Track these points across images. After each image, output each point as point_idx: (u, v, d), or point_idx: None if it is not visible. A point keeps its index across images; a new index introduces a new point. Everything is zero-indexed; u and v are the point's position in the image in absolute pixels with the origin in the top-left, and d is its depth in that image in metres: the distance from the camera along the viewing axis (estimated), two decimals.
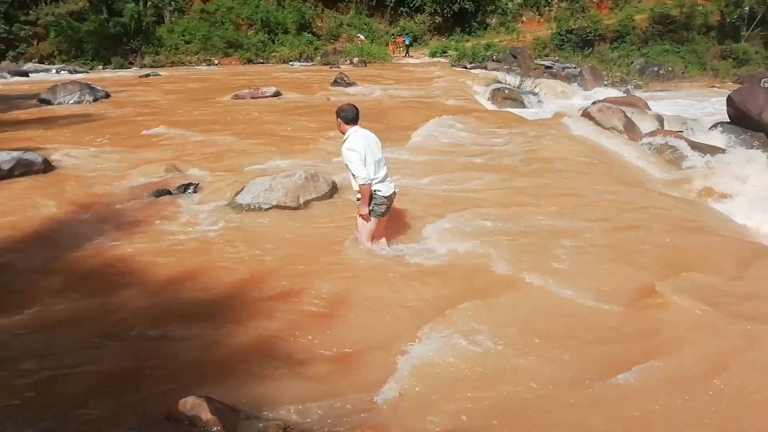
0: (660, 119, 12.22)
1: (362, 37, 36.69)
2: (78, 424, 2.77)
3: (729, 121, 11.65)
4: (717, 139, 10.89)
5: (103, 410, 2.88)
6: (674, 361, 3.31)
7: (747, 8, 30.82)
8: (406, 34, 37.58)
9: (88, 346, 3.51)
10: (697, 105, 18.22)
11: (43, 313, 3.90)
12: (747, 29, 30.85)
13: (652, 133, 10.63)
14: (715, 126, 11.62)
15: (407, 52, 35.34)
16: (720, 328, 3.64)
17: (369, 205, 4.66)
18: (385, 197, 4.71)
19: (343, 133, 4.73)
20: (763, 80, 12.53)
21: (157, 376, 3.19)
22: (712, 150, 9.60)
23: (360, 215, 4.76)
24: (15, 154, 7.32)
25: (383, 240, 5.03)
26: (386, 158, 4.93)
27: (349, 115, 4.70)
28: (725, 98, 12.08)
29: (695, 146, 9.68)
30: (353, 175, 4.61)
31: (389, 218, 5.05)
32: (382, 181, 4.71)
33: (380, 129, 5.92)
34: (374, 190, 4.66)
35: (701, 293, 4.03)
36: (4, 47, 30.31)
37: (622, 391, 3.06)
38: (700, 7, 32.58)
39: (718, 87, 24.69)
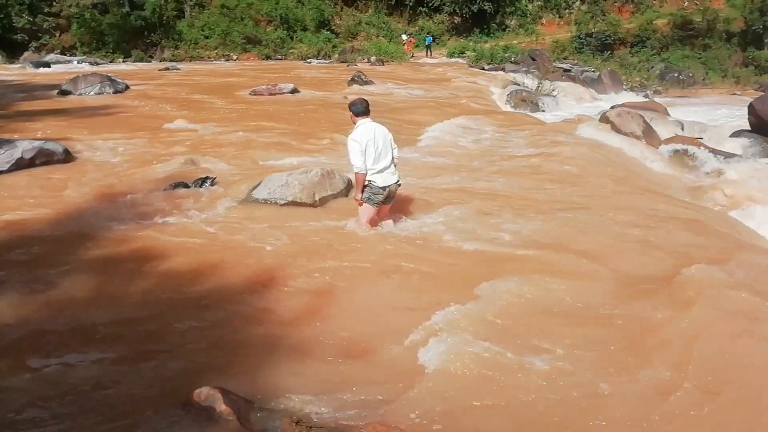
0: (680, 125, 12.10)
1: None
2: (92, 413, 2.79)
3: (750, 129, 11.50)
4: (737, 146, 10.75)
5: (118, 399, 2.90)
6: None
7: None
8: (427, 34, 37.52)
9: (101, 334, 3.53)
10: (717, 112, 17.99)
11: (58, 301, 3.93)
12: None
13: (671, 140, 10.52)
14: (735, 134, 11.48)
15: (428, 52, 35.28)
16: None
17: (364, 193, 5.09)
18: (381, 188, 5.06)
19: (354, 125, 5.13)
20: None
21: (172, 366, 3.22)
22: (732, 158, 9.49)
23: (355, 200, 5.20)
24: (37, 143, 7.43)
25: (389, 221, 5.42)
26: (403, 157, 5.02)
27: (359, 109, 5.11)
28: (746, 106, 11.92)
29: (715, 153, 9.57)
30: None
31: (396, 208, 5.53)
32: (380, 172, 5.05)
33: (395, 128, 6.00)
34: (370, 180, 5.03)
35: (715, 297, 3.99)
36: (27, 38, 30.79)
37: (640, 389, 3.04)
38: (723, 14, 32.12)
39: (739, 94, 24.35)
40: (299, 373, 3.16)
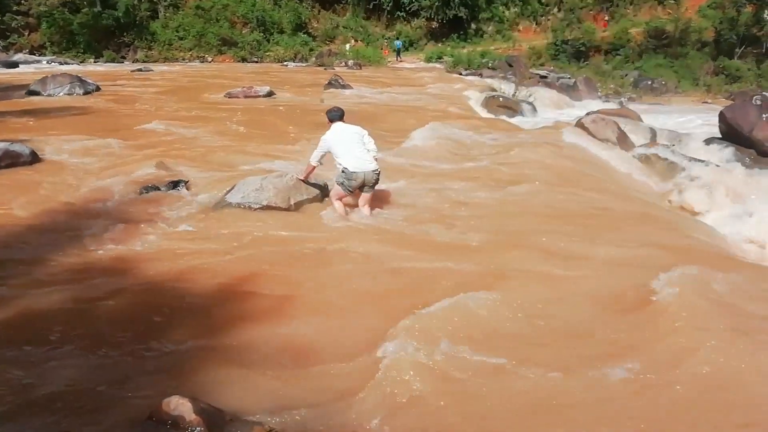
0: (653, 132, 12.31)
1: (348, 46, 36.72)
2: (59, 424, 2.72)
3: (720, 136, 11.75)
4: (708, 153, 10.98)
5: (85, 409, 2.83)
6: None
7: (743, 27, 31.15)
8: (396, 38, 37.69)
9: (69, 344, 3.44)
10: (689, 119, 18.37)
11: (20, 311, 3.82)
12: (740, 47, 31.23)
13: (644, 146, 10.69)
14: (706, 141, 11.71)
15: (398, 56, 35.44)
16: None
17: (339, 178, 5.79)
18: (353, 173, 5.64)
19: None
20: (754, 97, 12.69)
21: (140, 375, 3.14)
22: (703, 164, 9.68)
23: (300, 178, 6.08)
24: (2, 144, 7.26)
25: (366, 208, 5.90)
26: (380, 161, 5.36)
27: (333, 116, 5.95)
28: (717, 114, 12.19)
29: (686, 160, 9.76)
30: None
31: (373, 207, 5.99)
32: (351, 159, 5.68)
33: (373, 133, 6.09)
34: (344, 167, 5.68)
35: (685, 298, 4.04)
36: None
37: (608, 393, 3.07)
38: (695, 24, 32.94)
39: (710, 102, 24.88)
40: (271, 382, 3.12)
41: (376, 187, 5.96)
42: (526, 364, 3.31)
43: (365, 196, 5.86)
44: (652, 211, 6.72)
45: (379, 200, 6.28)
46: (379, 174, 5.84)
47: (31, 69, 23.14)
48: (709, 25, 32.84)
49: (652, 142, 11.38)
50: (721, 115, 11.75)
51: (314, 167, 5.92)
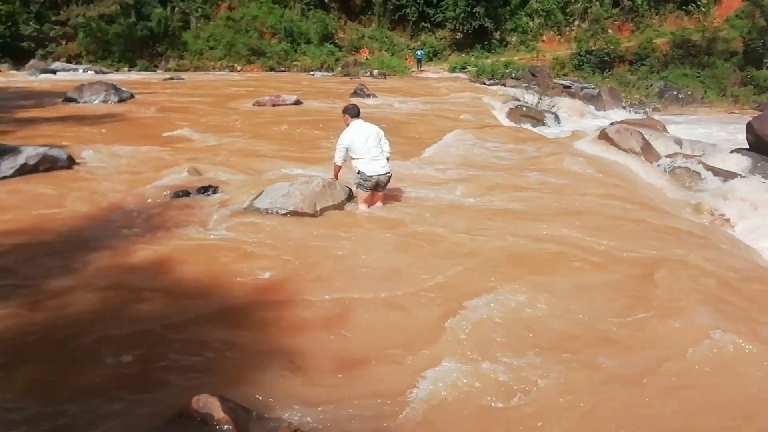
0: (678, 142, 12.15)
1: (366, 52, 37.04)
2: (89, 421, 2.78)
3: (748, 147, 11.57)
4: (735, 164, 10.79)
5: (116, 407, 2.88)
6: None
7: None
8: (418, 48, 37.86)
9: (101, 343, 3.52)
10: (715, 130, 18.10)
11: (58, 310, 3.90)
12: None
13: (669, 156, 10.59)
14: (733, 152, 11.54)
15: (419, 66, 35.58)
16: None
17: (356, 179, 6.03)
18: (368, 176, 5.89)
19: (347, 125, 6.09)
20: None
21: (171, 374, 3.21)
22: (730, 175, 9.55)
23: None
24: (41, 149, 7.50)
25: (379, 204, 6.21)
26: (405, 169, 5.16)
27: (352, 112, 6.16)
28: (744, 125, 12.01)
29: (713, 171, 9.65)
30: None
31: (399, 214, 6.12)
32: (367, 162, 5.89)
33: (397, 141, 6.15)
34: (359, 170, 5.92)
35: (713, 312, 4.04)
36: (34, 46, 31.13)
37: (635, 398, 3.09)
38: (722, 34, 32.40)
39: (737, 113, 24.40)
40: (298, 383, 3.16)
41: (405, 192, 6.35)
42: (562, 364, 3.35)
43: (379, 195, 6.21)
44: (677, 221, 6.67)
45: (405, 204, 6.42)
46: (390, 176, 6.12)
47: (67, 77, 23.77)
48: (737, 34, 32.22)
49: (677, 152, 11.26)
50: (749, 126, 11.56)
51: (340, 167, 6.20)
